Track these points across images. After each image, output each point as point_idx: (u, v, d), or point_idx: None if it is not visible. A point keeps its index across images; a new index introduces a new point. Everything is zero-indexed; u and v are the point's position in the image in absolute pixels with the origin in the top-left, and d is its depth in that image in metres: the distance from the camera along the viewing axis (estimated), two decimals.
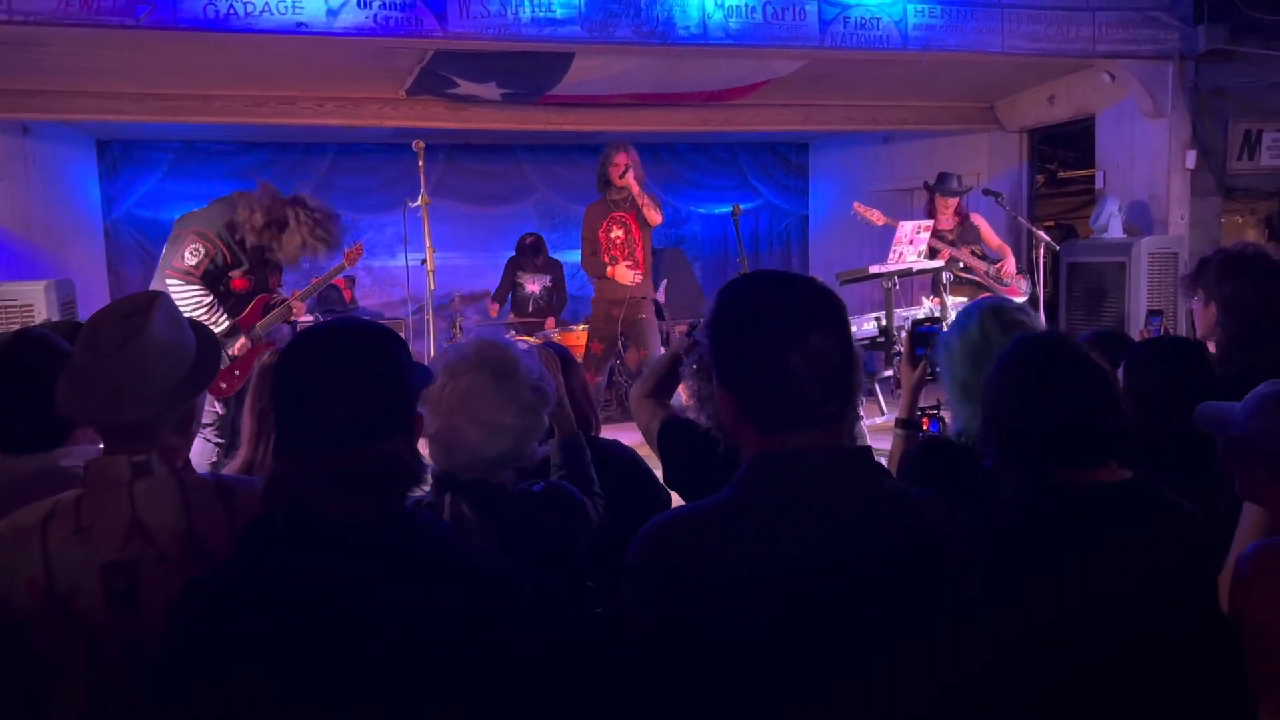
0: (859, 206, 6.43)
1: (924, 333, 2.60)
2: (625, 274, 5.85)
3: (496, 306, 7.90)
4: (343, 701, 1.25)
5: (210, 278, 4.36)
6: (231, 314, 4.49)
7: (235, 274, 4.43)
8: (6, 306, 4.69)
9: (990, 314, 2.15)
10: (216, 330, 4.33)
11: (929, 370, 2.56)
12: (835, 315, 1.39)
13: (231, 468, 2.49)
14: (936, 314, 5.72)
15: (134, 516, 1.60)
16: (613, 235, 5.89)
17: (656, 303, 6.64)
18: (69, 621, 1.57)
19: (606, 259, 5.88)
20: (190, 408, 1.76)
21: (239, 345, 4.51)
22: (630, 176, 5.73)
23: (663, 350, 5.88)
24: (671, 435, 2.23)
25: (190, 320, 1.83)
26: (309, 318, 7.63)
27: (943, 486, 1.67)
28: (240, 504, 1.67)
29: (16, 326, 4.38)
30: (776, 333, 1.35)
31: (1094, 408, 1.62)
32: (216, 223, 4.39)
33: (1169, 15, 6.37)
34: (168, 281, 4.32)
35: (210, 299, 4.37)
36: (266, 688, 1.25)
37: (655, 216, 5.88)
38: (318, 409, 1.33)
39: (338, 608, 1.27)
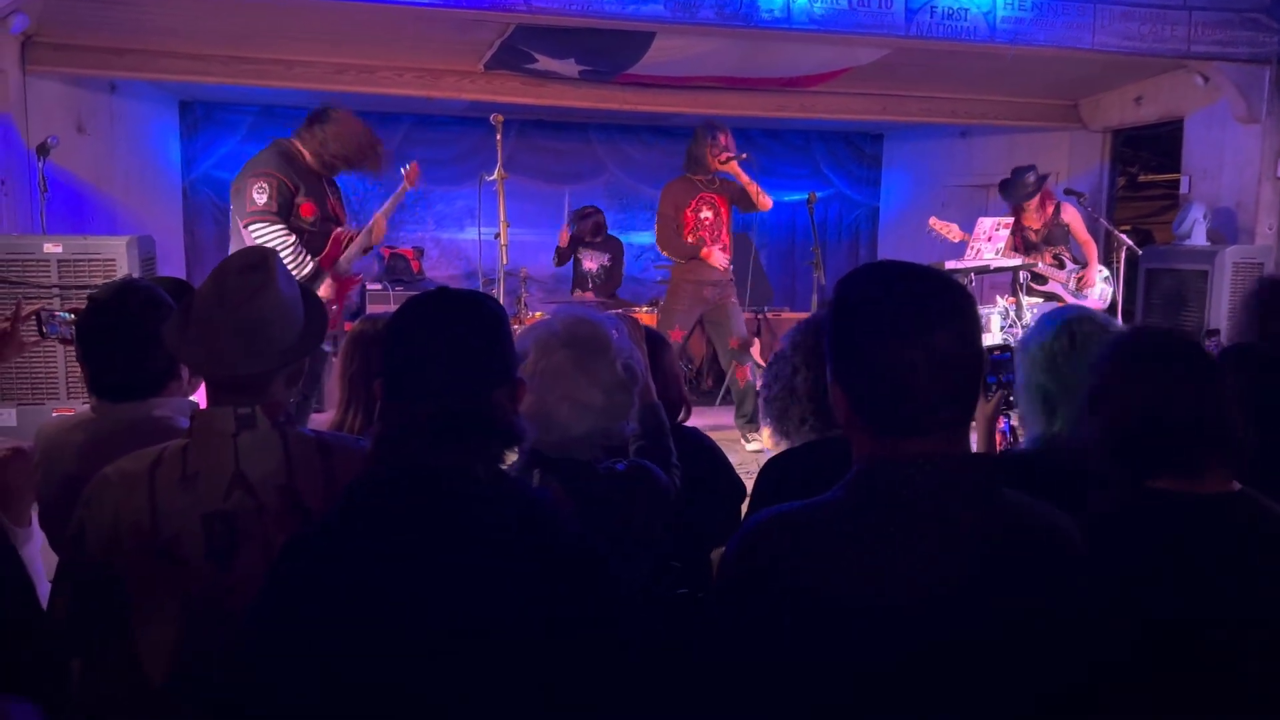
0: (935, 223, 6.08)
1: (996, 361, 2.55)
2: (720, 258, 5.76)
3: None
4: (430, 653, 1.26)
5: (285, 211, 4.39)
6: (312, 252, 4.50)
7: (300, 200, 4.44)
8: (90, 259, 4.76)
9: (1074, 324, 2.05)
10: (302, 273, 4.40)
11: (1003, 400, 2.53)
12: (966, 313, 1.27)
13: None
14: (1008, 340, 5.61)
15: (237, 468, 1.63)
16: (702, 216, 5.79)
17: None
18: (167, 567, 1.60)
19: (693, 239, 5.77)
20: (299, 366, 1.78)
21: (325, 285, 4.53)
22: (735, 164, 5.66)
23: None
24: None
25: (298, 282, 1.85)
26: (377, 286, 7.75)
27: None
28: (339, 461, 1.70)
29: (100, 279, 4.49)
30: (900, 328, 1.24)
31: (1207, 410, 1.55)
32: (270, 160, 4.44)
33: (1268, 17, 6.16)
34: (250, 229, 4.33)
35: (293, 239, 4.38)
36: (362, 637, 1.27)
37: (766, 201, 5.83)
38: (426, 363, 1.35)
39: (434, 557, 1.28)
